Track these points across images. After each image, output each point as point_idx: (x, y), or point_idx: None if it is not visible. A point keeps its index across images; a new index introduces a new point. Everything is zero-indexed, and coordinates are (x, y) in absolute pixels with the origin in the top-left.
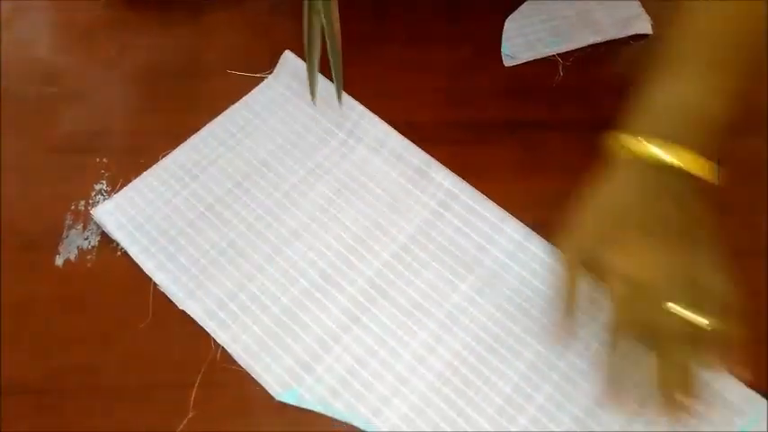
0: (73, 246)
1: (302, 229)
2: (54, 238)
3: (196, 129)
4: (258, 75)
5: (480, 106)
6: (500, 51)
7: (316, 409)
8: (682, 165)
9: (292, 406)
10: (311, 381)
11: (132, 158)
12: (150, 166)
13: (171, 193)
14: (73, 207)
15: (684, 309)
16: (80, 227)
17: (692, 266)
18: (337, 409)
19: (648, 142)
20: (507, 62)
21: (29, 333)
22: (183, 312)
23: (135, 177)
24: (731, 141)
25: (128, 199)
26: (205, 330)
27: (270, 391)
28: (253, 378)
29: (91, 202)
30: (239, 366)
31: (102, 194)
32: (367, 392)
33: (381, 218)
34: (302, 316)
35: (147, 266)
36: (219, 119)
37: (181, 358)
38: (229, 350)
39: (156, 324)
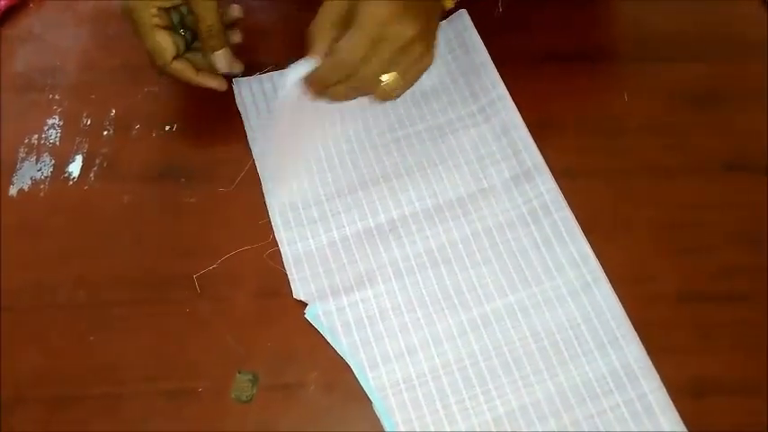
0: (26, 176)
1: (396, 177)
2: (8, 170)
3: None
4: None
5: None
6: None
7: (323, 334)
8: None
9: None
10: (333, 307)
11: (84, 94)
12: (101, 101)
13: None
14: (26, 141)
15: None
16: (33, 159)
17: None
18: (341, 345)
19: None
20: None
21: None
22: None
23: (86, 113)
24: None
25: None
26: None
27: (296, 297)
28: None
29: (44, 136)
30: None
31: (54, 128)
32: (375, 344)
33: (470, 200)
34: (360, 248)
35: (255, 150)
36: None
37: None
38: (282, 250)
39: (111, 243)
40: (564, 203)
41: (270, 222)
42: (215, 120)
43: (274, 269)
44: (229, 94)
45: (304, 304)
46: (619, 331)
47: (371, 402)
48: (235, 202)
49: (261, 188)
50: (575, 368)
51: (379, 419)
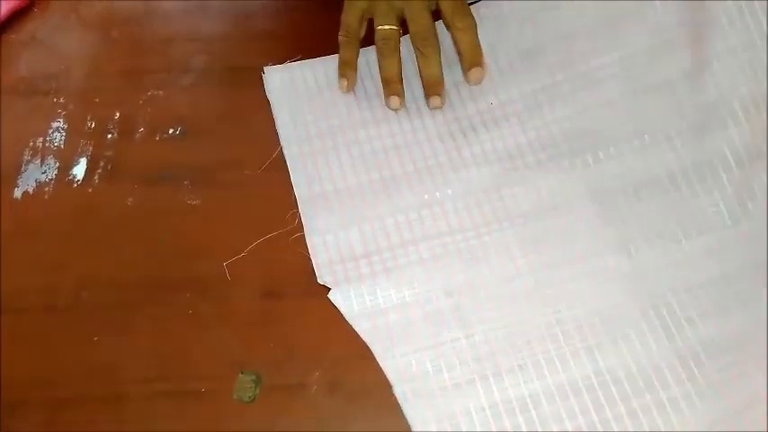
0: (31, 179)
1: (426, 169)
2: (13, 173)
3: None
4: None
5: None
6: None
7: (346, 317)
8: None
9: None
10: (357, 291)
11: (88, 98)
12: (105, 105)
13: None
14: (31, 144)
15: None
16: (38, 162)
17: None
18: (363, 329)
19: None
20: None
21: None
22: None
23: (90, 116)
24: None
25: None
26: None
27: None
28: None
29: (48, 139)
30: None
31: (59, 132)
32: (398, 328)
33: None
34: (386, 234)
35: (283, 132)
36: None
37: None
38: (308, 234)
39: (113, 244)
40: None
41: (271, 226)
42: (218, 123)
43: (278, 270)
44: (230, 97)
45: (306, 305)
46: None
47: (391, 388)
48: (238, 204)
49: (265, 191)
50: None
51: (379, 420)
